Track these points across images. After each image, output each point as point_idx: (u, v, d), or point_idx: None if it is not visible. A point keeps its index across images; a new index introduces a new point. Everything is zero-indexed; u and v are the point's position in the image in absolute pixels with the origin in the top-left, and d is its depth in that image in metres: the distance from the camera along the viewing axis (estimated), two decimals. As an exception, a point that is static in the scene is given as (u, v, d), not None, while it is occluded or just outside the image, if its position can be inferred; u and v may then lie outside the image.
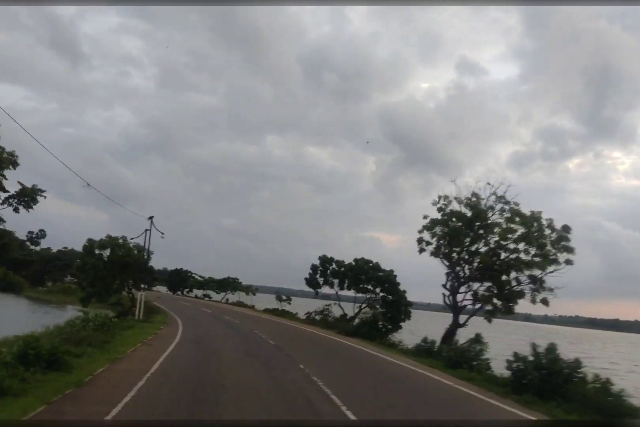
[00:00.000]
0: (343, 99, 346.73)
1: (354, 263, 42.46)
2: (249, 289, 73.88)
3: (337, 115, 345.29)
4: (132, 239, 32.00)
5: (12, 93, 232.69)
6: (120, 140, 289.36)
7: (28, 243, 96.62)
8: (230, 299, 78.28)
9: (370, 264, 41.83)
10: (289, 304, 59.87)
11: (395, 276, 40.87)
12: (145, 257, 38.50)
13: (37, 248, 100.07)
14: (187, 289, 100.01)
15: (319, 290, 45.23)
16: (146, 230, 41.12)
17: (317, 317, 45.06)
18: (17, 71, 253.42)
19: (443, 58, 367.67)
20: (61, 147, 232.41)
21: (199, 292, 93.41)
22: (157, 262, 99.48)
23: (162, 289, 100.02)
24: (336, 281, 44.21)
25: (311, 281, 45.02)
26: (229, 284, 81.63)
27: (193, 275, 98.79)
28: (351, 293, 43.63)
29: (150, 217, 41.26)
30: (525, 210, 28.73)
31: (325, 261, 44.46)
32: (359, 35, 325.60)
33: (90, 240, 38.65)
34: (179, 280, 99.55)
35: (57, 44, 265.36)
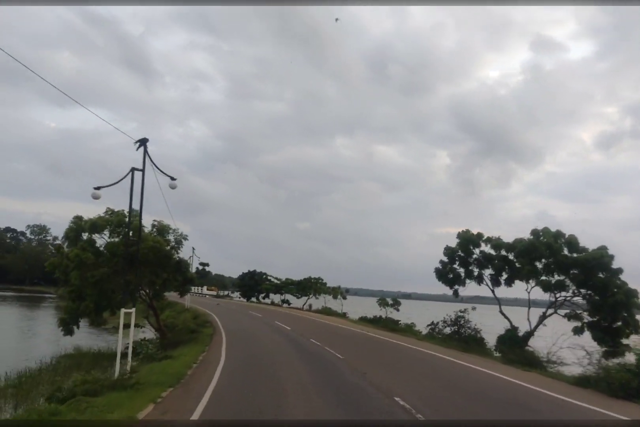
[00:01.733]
0: (409, 94, 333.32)
1: (527, 239, 24.48)
2: (338, 292, 56.64)
3: (403, 111, 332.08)
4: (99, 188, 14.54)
5: (96, 117, 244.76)
6: (196, 153, 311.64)
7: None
8: (314, 304, 61.79)
9: (562, 240, 23.65)
10: (397, 309, 42.43)
11: (611, 258, 22.40)
12: (134, 219, 16.95)
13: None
14: (262, 295, 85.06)
15: (460, 287, 27.51)
16: (132, 168, 16.29)
17: (447, 330, 27.52)
18: (98, 95, 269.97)
19: (514, 40, 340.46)
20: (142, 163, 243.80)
21: (276, 298, 77.91)
22: (232, 269, 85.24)
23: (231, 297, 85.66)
24: (486, 273, 26.62)
25: (445, 274, 27.44)
26: (310, 286, 65.27)
27: (268, 277, 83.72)
28: (517, 291, 25.88)
29: (141, 141, 16.21)
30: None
31: (469, 240, 26.75)
32: (421, 27, 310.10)
33: (77, 218, 23.32)
34: (252, 284, 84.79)
35: (130, 63, 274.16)
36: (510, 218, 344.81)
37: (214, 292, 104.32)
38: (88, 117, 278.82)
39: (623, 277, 22.11)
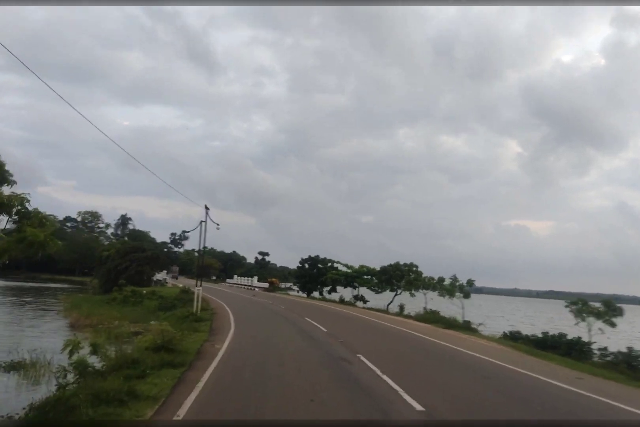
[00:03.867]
0: (475, 81, 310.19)
1: None
2: (452, 288, 33.25)
3: (468, 99, 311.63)
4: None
5: (164, 113, 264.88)
6: (259, 147, 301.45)
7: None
8: (408, 305, 39.47)
9: None
10: (611, 324, 19.65)
11: None
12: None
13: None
14: (327, 288, 63.96)
15: None
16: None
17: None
18: (166, 92, 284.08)
19: (592, 16, 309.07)
20: (210, 159, 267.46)
21: (346, 292, 56.23)
22: (295, 262, 66.05)
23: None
24: None
25: None
26: (399, 277, 43.12)
27: (335, 264, 62.55)
28: None
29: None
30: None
31: None
32: (486, 11, 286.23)
33: None
34: (314, 273, 63.88)
35: (195, 59, 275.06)
36: (586, 209, 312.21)
37: (269, 285, 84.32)
38: (157, 114, 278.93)
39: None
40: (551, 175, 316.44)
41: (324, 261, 65.77)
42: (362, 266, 53.30)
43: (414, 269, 42.82)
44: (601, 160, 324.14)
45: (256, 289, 76.06)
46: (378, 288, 50.43)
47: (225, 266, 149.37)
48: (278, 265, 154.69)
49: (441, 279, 37.78)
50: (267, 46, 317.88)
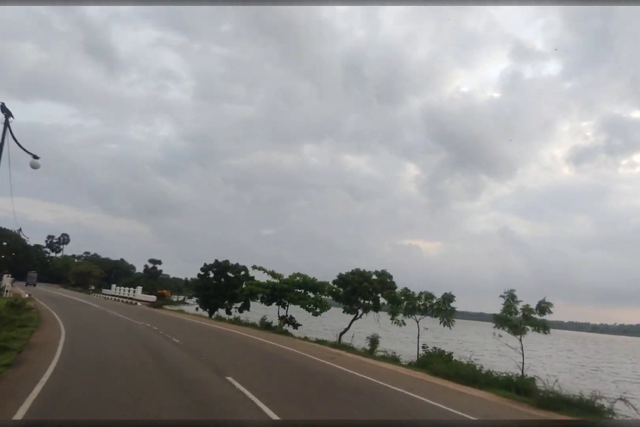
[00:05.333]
0: (381, 103, 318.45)
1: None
2: (448, 310, 18.87)
3: (374, 120, 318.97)
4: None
5: (57, 111, 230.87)
6: (161, 152, 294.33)
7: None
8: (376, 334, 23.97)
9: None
10: None
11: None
12: None
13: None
14: (236, 305, 47.00)
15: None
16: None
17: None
18: (61, 88, 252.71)
19: (493, 48, 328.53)
20: (106, 162, 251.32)
21: (270, 312, 39.46)
22: (193, 273, 47.43)
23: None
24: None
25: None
26: (365, 292, 27.57)
27: (253, 272, 46.09)
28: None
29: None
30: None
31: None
32: (393, 36, 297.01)
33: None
34: (222, 286, 46.86)
35: (95, 56, 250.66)
36: (474, 231, 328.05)
37: (156, 298, 65.30)
38: (49, 111, 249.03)
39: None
40: (446, 198, 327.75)
41: (236, 268, 48.82)
42: (296, 275, 37.13)
43: (388, 280, 27.51)
44: (492, 187, 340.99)
45: (138, 304, 57.02)
46: (315, 308, 34.81)
47: (109, 274, 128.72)
48: (171, 276, 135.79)
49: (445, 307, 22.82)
50: (174, 50, 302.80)
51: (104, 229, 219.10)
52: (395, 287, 26.72)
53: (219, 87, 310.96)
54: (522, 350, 17.06)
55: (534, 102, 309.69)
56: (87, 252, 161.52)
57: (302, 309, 36.42)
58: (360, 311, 28.57)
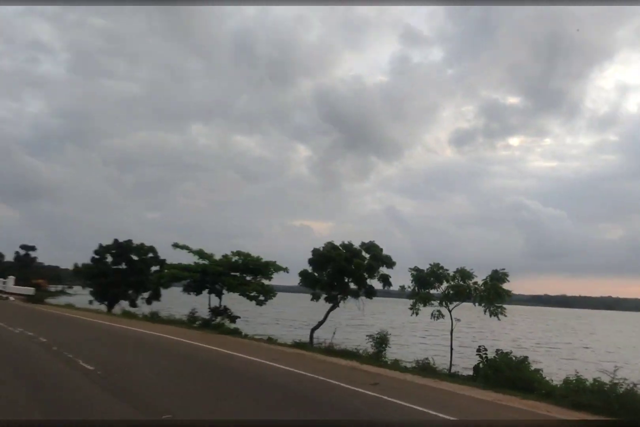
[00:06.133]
0: (273, 83, 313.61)
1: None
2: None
3: (265, 100, 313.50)
4: None
5: None
6: (30, 130, 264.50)
7: None
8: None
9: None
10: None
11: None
12: None
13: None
14: (145, 293, 37.70)
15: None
16: None
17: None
18: None
19: (383, 32, 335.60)
20: None
21: (198, 302, 30.58)
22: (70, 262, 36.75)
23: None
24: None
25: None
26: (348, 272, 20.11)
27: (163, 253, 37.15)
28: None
29: None
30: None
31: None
32: (284, 17, 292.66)
33: None
34: (125, 272, 37.19)
35: None
36: (362, 211, 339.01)
37: (34, 290, 52.79)
38: None
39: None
40: (337, 178, 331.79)
41: (142, 249, 39.06)
42: (234, 253, 28.76)
43: (382, 255, 20.12)
44: (380, 168, 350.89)
45: (11, 298, 44.94)
46: (258, 295, 26.97)
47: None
48: (46, 264, 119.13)
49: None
50: (46, 19, 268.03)
51: None
52: (394, 263, 19.52)
53: (97, 61, 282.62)
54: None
55: (421, 87, 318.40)
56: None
57: (241, 297, 28.43)
58: (339, 298, 20.98)
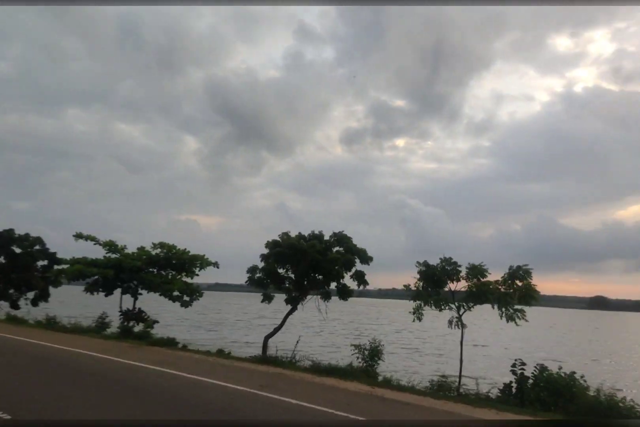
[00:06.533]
0: (161, 71, 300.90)
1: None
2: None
3: (152, 88, 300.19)
4: None
5: None
6: None
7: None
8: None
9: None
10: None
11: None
12: None
13: None
14: (25, 297, 31.39)
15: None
16: None
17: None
18: None
19: (274, 31, 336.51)
20: None
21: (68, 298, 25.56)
22: None
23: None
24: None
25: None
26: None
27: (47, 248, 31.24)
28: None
29: None
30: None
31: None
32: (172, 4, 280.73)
33: None
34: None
35: None
36: (253, 207, 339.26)
37: None
38: None
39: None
40: (227, 172, 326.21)
41: (27, 240, 32.57)
42: (157, 245, 24.26)
43: (356, 247, 17.10)
44: (272, 163, 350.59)
45: None
46: (182, 296, 22.90)
47: None
48: None
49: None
50: None
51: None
52: (371, 258, 16.60)
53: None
54: None
55: (313, 84, 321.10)
56: None
57: (161, 297, 24.03)
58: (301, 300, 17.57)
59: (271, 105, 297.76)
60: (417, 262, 13.54)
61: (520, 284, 12.59)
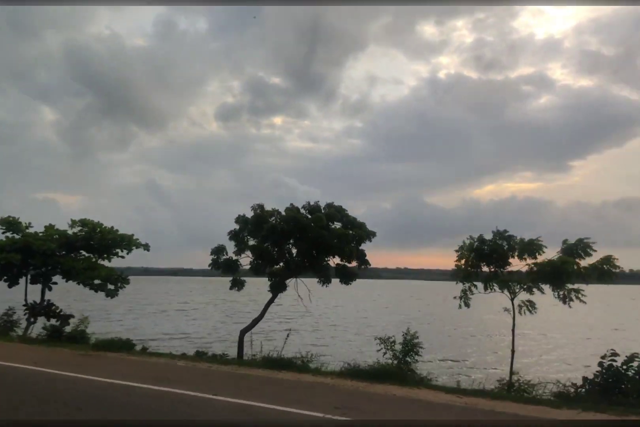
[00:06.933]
0: (14, 33, 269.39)
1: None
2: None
3: (1, 52, 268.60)
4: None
5: None
6: None
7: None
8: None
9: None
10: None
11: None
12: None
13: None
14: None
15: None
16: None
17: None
18: None
19: None
20: None
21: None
22: None
23: None
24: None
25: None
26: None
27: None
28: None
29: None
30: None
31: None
32: None
33: None
34: None
35: None
36: (120, 185, 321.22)
37: None
38: None
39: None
40: (91, 147, 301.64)
41: None
42: (75, 222, 19.74)
43: (352, 217, 14.62)
44: (142, 138, 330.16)
45: None
46: (106, 284, 18.95)
47: None
48: None
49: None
50: None
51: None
52: (374, 234, 14.27)
53: None
54: None
55: (187, 56, 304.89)
56: None
57: (79, 286, 19.69)
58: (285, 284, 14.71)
59: (140, 76, 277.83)
60: (469, 237, 11.54)
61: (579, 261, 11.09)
